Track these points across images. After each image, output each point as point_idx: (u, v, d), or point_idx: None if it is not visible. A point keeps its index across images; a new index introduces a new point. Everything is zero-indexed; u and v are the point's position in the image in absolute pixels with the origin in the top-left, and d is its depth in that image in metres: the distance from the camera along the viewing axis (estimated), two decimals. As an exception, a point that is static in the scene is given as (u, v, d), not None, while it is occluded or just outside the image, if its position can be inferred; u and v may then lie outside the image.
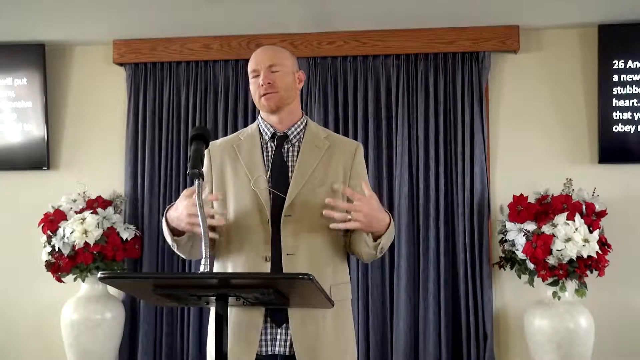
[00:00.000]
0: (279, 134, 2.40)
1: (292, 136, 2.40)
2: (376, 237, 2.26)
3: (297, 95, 2.45)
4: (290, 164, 2.36)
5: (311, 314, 2.24)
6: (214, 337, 1.94)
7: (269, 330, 2.27)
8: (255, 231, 2.28)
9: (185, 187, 4.61)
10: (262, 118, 2.45)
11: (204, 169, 2.36)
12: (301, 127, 2.43)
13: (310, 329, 2.25)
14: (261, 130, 2.43)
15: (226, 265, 2.32)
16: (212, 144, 2.43)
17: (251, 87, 2.41)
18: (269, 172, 2.34)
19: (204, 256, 1.99)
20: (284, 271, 2.23)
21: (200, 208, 2.03)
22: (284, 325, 2.26)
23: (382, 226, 2.24)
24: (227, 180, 2.37)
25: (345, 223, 2.16)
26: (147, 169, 4.69)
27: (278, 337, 2.27)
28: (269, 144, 2.40)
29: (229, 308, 1.94)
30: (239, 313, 2.24)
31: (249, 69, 2.41)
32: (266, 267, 2.25)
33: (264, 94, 2.35)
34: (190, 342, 4.50)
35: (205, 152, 2.37)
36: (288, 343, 2.26)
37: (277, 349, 2.27)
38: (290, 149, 2.39)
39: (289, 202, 2.28)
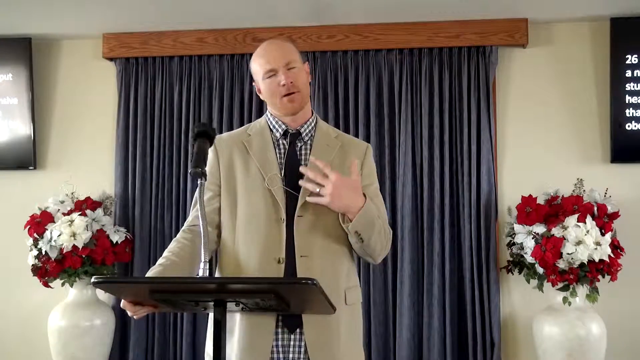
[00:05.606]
0: (291, 131, 2.41)
1: (304, 134, 2.42)
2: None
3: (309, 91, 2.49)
4: (303, 162, 2.38)
5: (325, 319, 2.23)
6: (212, 344, 1.95)
7: (280, 336, 2.27)
8: (268, 230, 2.29)
9: (177, 187, 4.62)
10: (271, 114, 2.46)
11: (210, 163, 2.39)
12: (312, 124, 2.45)
13: (326, 334, 2.26)
14: (271, 126, 2.44)
15: (238, 267, 2.32)
16: (219, 137, 2.43)
17: (267, 87, 2.38)
18: (282, 170, 2.35)
19: (202, 260, 2.00)
20: (297, 273, 2.25)
21: (202, 209, 2.03)
22: (297, 330, 2.27)
23: (355, 206, 2.23)
24: (237, 176, 2.38)
25: (315, 197, 2.20)
26: (138, 169, 4.69)
27: (292, 343, 2.27)
28: (280, 141, 2.41)
29: (238, 313, 1.95)
30: (249, 317, 2.25)
31: (263, 68, 2.37)
32: (279, 269, 2.26)
33: (287, 95, 2.35)
34: (183, 350, 4.51)
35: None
36: (302, 349, 2.26)
37: (290, 355, 2.27)
38: (303, 147, 2.41)
39: (301, 203, 2.29)
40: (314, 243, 2.28)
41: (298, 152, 2.40)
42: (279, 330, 2.27)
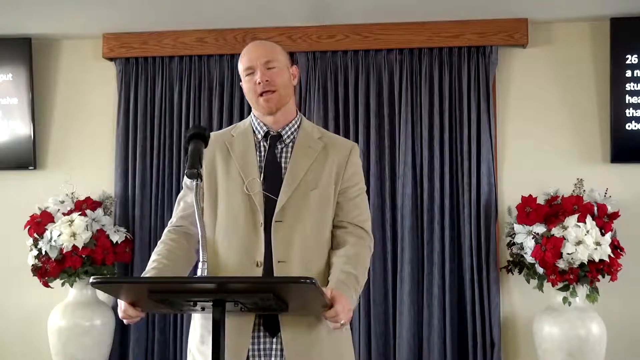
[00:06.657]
0: (272, 133, 2.39)
1: (285, 136, 2.39)
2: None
3: (292, 93, 2.45)
4: (283, 165, 2.35)
5: (304, 321, 2.21)
6: (211, 345, 1.94)
7: (261, 340, 2.24)
8: (246, 235, 2.27)
9: (177, 187, 4.62)
10: (254, 115, 2.44)
11: None
12: (295, 126, 2.42)
13: (304, 337, 2.22)
14: (254, 128, 2.42)
15: (216, 268, 2.28)
16: None
17: (245, 85, 2.39)
18: (262, 173, 2.33)
19: (201, 259, 2.00)
20: None
21: (198, 208, 2.04)
22: (279, 334, 2.22)
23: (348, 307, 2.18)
24: (218, 177, 2.36)
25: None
26: (138, 169, 4.70)
27: (274, 347, 2.23)
28: (262, 143, 2.39)
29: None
30: (228, 319, 2.17)
31: (243, 66, 2.39)
32: (258, 273, 2.23)
33: (263, 93, 2.34)
34: (183, 349, 4.50)
35: None
36: (279, 353, 2.22)
37: (272, 359, 2.23)
38: (284, 149, 2.38)
39: (280, 207, 2.27)
40: (292, 249, 2.25)
41: (279, 155, 2.37)
42: (260, 334, 2.23)
